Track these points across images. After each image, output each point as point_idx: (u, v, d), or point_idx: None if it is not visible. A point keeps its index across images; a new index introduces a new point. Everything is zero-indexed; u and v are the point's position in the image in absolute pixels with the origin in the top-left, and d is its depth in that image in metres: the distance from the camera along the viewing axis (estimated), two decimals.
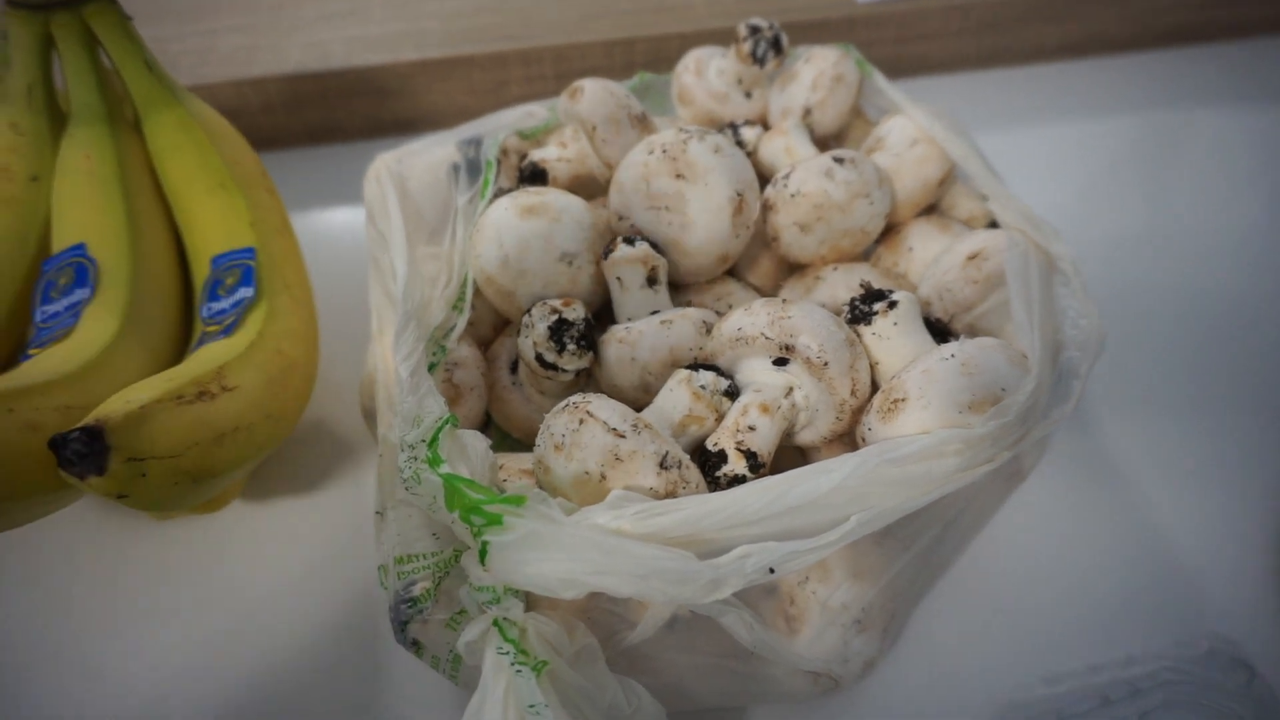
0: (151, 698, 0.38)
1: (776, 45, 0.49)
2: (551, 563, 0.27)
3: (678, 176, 0.40)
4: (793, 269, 0.46)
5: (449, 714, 0.36)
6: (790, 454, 0.38)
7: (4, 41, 0.41)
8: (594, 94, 0.46)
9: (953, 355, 0.32)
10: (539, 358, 0.38)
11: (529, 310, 0.39)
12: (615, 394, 0.38)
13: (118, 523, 0.42)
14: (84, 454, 0.27)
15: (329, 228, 0.59)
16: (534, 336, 0.38)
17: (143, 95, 0.42)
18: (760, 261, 0.46)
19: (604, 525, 0.27)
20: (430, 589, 0.31)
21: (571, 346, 0.38)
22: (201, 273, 0.41)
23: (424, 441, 0.30)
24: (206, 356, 0.34)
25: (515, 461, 0.37)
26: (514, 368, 0.42)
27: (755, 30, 0.49)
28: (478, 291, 0.41)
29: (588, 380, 0.40)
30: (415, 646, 0.31)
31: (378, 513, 0.34)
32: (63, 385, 0.30)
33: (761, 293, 0.45)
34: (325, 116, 0.62)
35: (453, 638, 0.30)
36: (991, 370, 0.31)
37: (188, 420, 0.30)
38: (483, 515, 0.27)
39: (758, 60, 0.49)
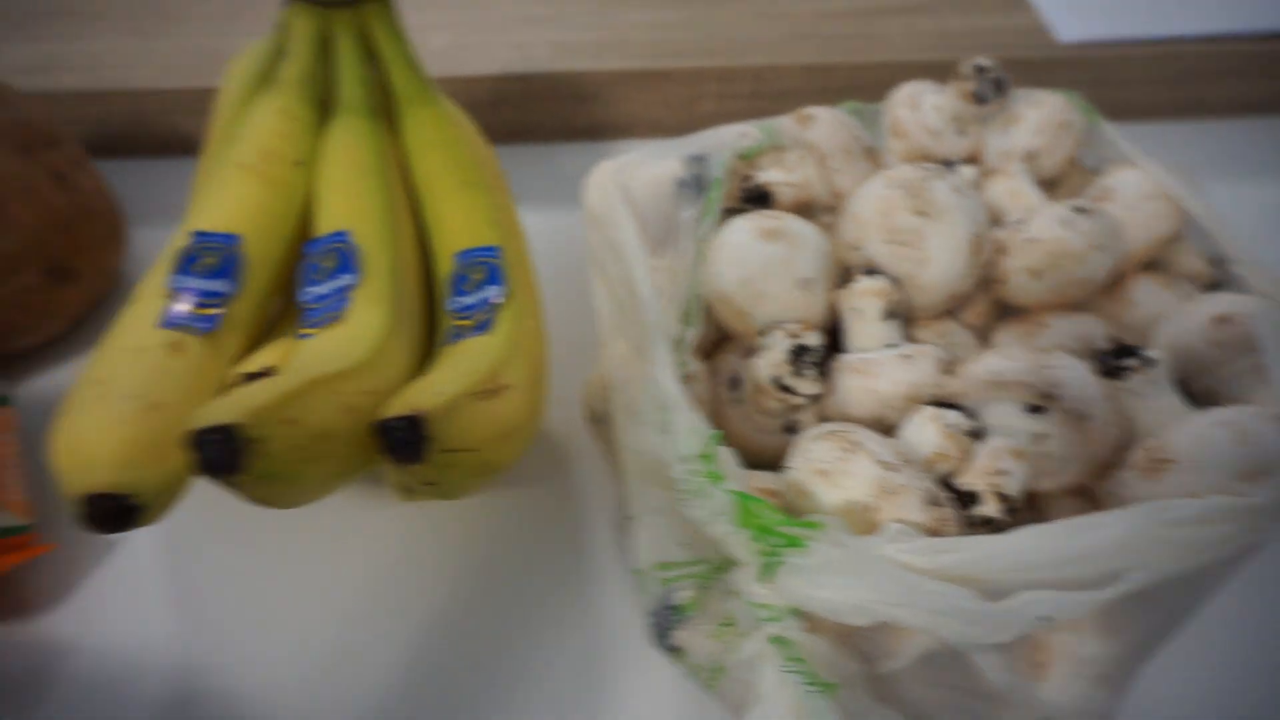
0: (361, 683, 0.40)
1: (999, 86, 0.49)
2: (846, 589, 0.27)
3: (918, 213, 0.41)
4: (1006, 312, 0.46)
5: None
6: None
7: (283, 33, 0.44)
8: (827, 123, 0.46)
9: (1224, 421, 0.32)
10: (775, 380, 0.39)
11: (766, 333, 0.40)
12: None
13: (341, 498, 0.45)
14: (407, 441, 0.29)
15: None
16: (772, 359, 0.39)
17: (403, 91, 0.44)
18: (975, 302, 0.46)
19: (893, 557, 0.28)
20: (695, 598, 0.32)
21: (809, 372, 0.39)
22: (445, 267, 0.43)
23: (698, 456, 0.32)
24: (475, 353, 0.36)
25: (751, 479, 0.38)
26: (732, 384, 0.43)
27: (981, 70, 0.49)
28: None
29: (812, 406, 0.41)
30: (675, 652, 0.32)
31: (627, 517, 0.35)
32: (367, 370, 0.32)
33: (976, 333, 0.45)
34: (522, 117, 0.64)
35: (716, 648, 0.31)
36: (1265, 440, 0.32)
37: (483, 416, 0.32)
38: (779, 536, 0.28)
39: (980, 100, 0.49)
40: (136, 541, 0.44)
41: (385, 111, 0.45)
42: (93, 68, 0.62)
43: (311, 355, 0.34)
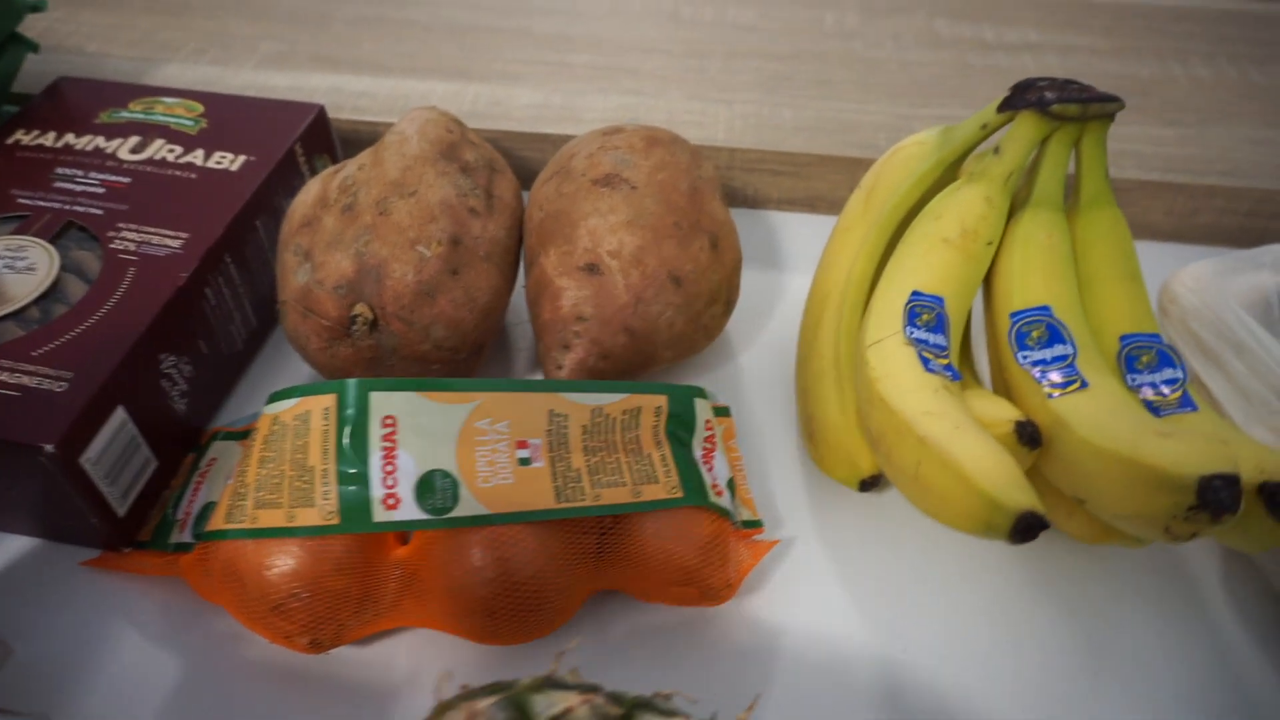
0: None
1: None
2: None
3: None
4: None
5: None
6: None
7: (980, 131, 0.52)
8: None
9: None
10: None
11: None
12: None
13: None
14: None
15: None
16: None
17: (1090, 193, 0.52)
18: None
19: None
20: None
21: None
22: (1109, 345, 0.50)
23: None
24: (1231, 427, 0.43)
25: None
26: None
27: None
28: None
29: None
30: None
31: None
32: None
33: None
34: None
35: None
36: None
37: None
38: None
39: None
40: (797, 542, 0.52)
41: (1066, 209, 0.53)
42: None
43: (1122, 420, 0.42)
